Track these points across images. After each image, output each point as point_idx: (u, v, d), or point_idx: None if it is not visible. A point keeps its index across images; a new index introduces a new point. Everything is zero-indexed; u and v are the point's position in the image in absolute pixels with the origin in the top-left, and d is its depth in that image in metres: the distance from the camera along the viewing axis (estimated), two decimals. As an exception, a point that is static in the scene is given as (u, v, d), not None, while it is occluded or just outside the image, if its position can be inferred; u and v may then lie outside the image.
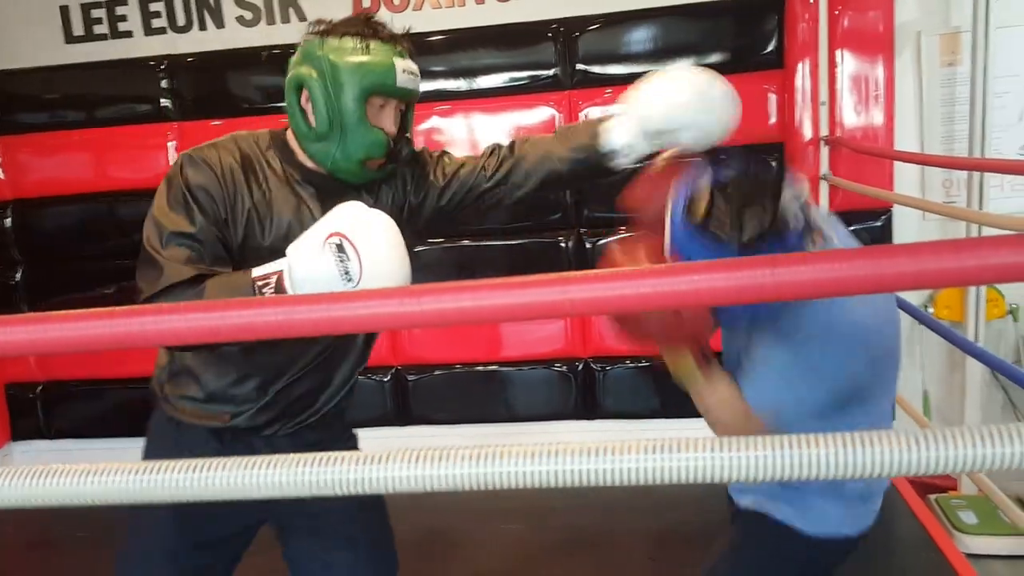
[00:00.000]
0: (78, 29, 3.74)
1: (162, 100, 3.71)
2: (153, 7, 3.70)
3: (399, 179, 1.62)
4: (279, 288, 1.24)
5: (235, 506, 1.59)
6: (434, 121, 3.64)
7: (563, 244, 3.68)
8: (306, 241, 1.24)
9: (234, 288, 1.28)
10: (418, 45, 3.52)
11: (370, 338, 1.71)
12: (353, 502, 1.66)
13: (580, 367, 3.77)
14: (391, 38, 1.44)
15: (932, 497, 3.15)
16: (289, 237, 1.31)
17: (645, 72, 3.41)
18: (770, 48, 3.40)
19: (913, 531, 2.92)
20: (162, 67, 3.69)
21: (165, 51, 3.69)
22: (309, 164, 1.49)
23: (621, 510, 3.22)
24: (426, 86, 3.57)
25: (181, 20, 3.69)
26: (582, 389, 3.78)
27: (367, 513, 1.71)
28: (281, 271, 1.25)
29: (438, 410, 3.87)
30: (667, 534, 3.12)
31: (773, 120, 3.44)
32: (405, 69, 1.43)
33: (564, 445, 0.63)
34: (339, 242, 1.21)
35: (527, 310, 0.62)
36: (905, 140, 3.31)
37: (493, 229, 3.69)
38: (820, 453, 0.59)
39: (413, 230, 1.64)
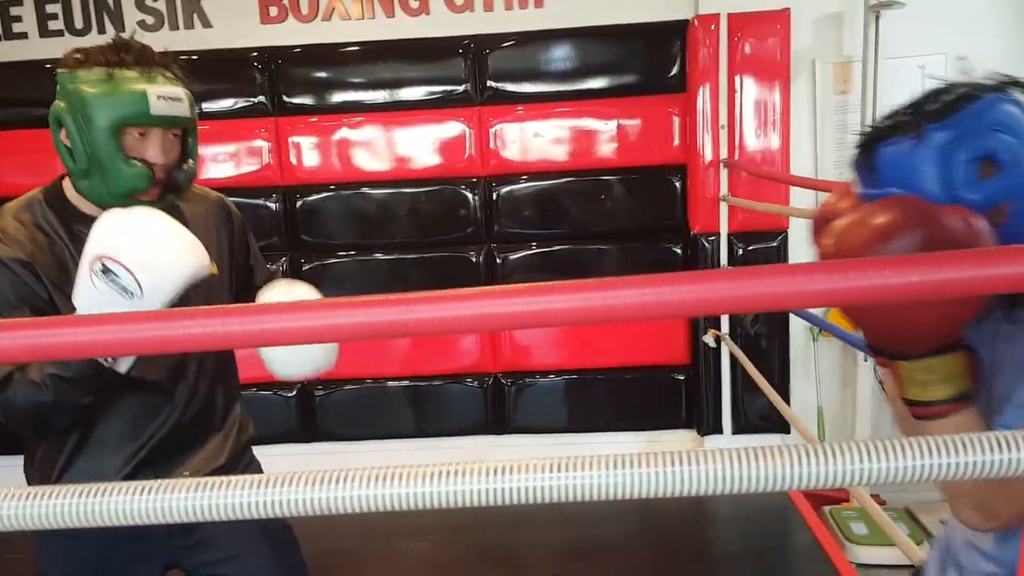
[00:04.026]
0: (-32, 28, 3.59)
1: (58, 104, 3.57)
2: (50, 8, 3.57)
3: (217, 226, 1.61)
4: None
5: (141, 556, 1.52)
6: (344, 132, 3.61)
7: (474, 258, 3.69)
8: (79, 281, 1.21)
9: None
10: (328, 56, 3.55)
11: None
12: (259, 531, 1.62)
13: (490, 382, 3.77)
14: (142, 63, 1.36)
15: (826, 509, 3.26)
16: None
17: (556, 91, 3.52)
18: (674, 72, 3.50)
19: (806, 542, 3.02)
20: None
21: (62, 54, 3.55)
22: (89, 211, 1.43)
23: (526, 525, 3.23)
24: (336, 97, 3.58)
25: (79, 23, 3.57)
26: (492, 404, 3.78)
27: (274, 540, 1.67)
28: None
29: (345, 426, 3.82)
30: (571, 549, 3.14)
31: (676, 142, 3.54)
32: (162, 95, 1.35)
33: (464, 465, 0.63)
34: (102, 265, 1.17)
35: (370, 329, 0.62)
36: (801, 164, 3.44)
37: (406, 243, 3.68)
38: (714, 468, 0.61)
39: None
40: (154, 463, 1.49)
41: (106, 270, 1.18)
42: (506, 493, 0.63)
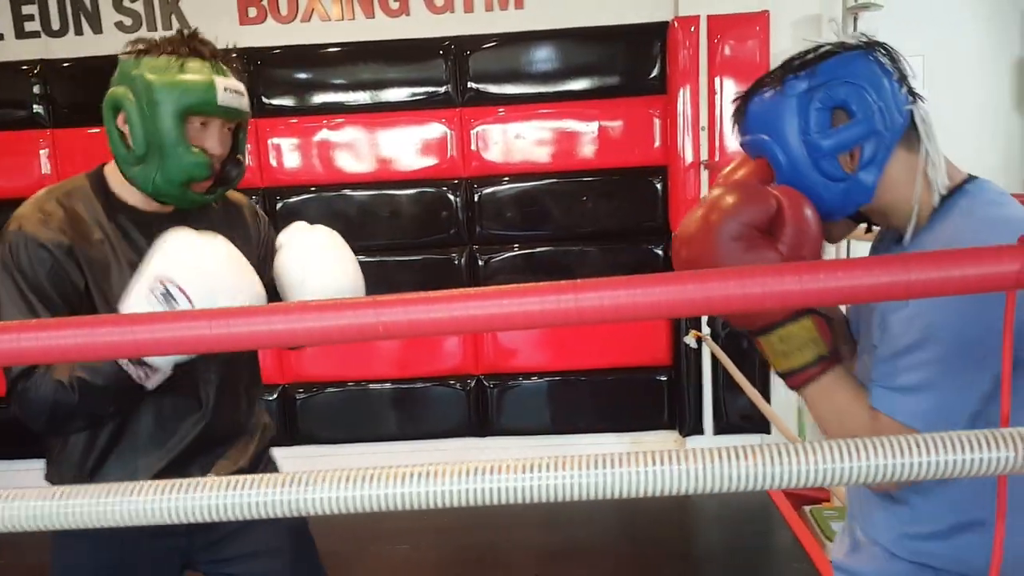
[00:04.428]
0: (-58, 29, 3.55)
1: (35, 106, 3.54)
2: (26, 10, 3.54)
3: (251, 229, 1.61)
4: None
5: (162, 554, 1.50)
6: (324, 134, 3.60)
7: (456, 260, 3.69)
8: (133, 294, 1.20)
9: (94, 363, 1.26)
10: (307, 57, 3.54)
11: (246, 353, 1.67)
12: (280, 533, 1.61)
13: (472, 384, 3.77)
14: (212, 55, 1.38)
15: (806, 508, 3.27)
16: None
17: (537, 93, 3.53)
18: (654, 73, 3.51)
19: (787, 541, 3.03)
20: (35, 72, 3.52)
21: (38, 55, 3.53)
22: (134, 202, 1.43)
23: (508, 527, 3.23)
24: (316, 99, 3.57)
25: (56, 24, 3.53)
26: (475, 406, 3.78)
27: (294, 539, 1.65)
28: None
29: (327, 429, 3.80)
30: (554, 550, 3.14)
31: (657, 144, 3.55)
32: (227, 87, 1.37)
33: (442, 466, 0.63)
34: (163, 289, 1.17)
35: (340, 333, 0.61)
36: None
37: (387, 245, 3.67)
38: (694, 468, 0.61)
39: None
40: (182, 467, 1.49)
41: (167, 294, 1.17)
42: (485, 494, 0.63)
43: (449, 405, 3.79)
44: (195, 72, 1.34)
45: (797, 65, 1.08)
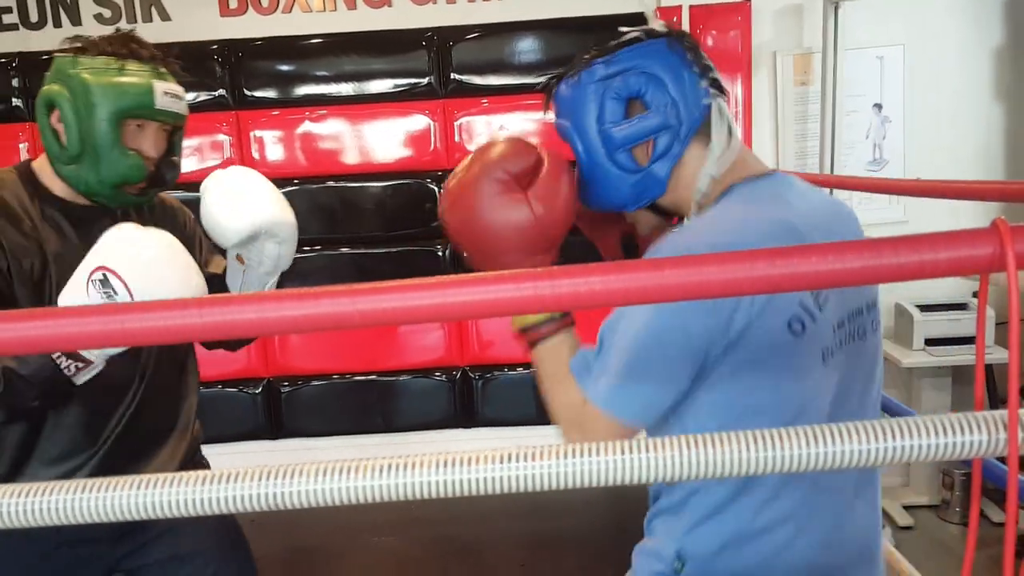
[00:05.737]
0: (-82, 21, 3.50)
1: (13, 99, 3.50)
2: (4, 2, 3.49)
3: (186, 230, 1.62)
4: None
5: (86, 561, 1.48)
6: (307, 126, 3.58)
7: (440, 252, 3.68)
8: (71, 286, 1.19)
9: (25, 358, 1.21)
10: (289, 49, 3.52)
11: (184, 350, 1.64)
12: (210, 530, 1.59)
13: (458, 376, 3.77)
14: (152, 58, 1.39)
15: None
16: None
17: (520, 84, 3.52)
18: (637, 64, 3.51)
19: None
20: (13, 65, 3.48)
21: (16, 48, 3.49)
22: (64, 195, 1.42)
23: (493, 518, 3.24)
24: (298, 91, 3.55)
25: (34, 16, 3.49)
26: (460, 398, 3.78)
27: (224, 540, 1.64)
28: None
29: (313, 422, 3.79)
30: (539, 541, 3.15)
31: (641, 133, 3.55)
32: (167, 91, 1.38)
33: (428, 456, 0.63)
34: (102, 276, 1.16)
35: (315, 321, 0.61)
36: (762, 155, 3.47)
37: (371, 237, 3.66)
38: (672, 455, 0.61)
39: None
40: (109, 470, 1.45)
41: (105, 281, 1.16)
42: (462, 484, 0.63)
43: (434, 397, 3.78)
44: (134, 75, 1.35)
45: (600, 51, 1.07)
